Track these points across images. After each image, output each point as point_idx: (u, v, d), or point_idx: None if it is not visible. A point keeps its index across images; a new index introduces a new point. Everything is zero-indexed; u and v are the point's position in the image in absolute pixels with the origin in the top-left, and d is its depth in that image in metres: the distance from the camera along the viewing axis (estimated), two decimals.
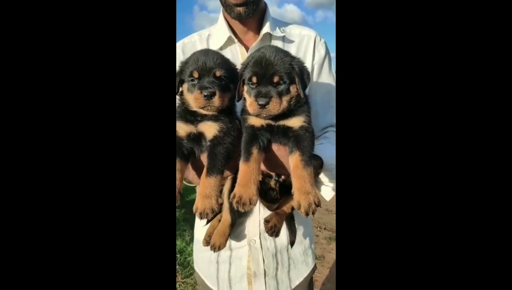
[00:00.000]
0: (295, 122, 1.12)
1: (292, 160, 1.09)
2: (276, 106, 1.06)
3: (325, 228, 4.72)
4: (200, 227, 1.50)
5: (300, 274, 1.58)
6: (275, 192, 1.31)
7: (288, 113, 1.12)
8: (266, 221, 1.30)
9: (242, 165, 1.09)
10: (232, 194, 1.04)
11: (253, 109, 1.08)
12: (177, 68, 1.22)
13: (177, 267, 3.74)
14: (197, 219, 1.64)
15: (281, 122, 1.13)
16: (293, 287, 1.56)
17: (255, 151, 1.10)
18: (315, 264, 1.68)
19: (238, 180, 1.06)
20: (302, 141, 1.10)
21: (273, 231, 1.28)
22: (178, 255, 3.91)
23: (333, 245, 4.33)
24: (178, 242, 4.14)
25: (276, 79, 1.07)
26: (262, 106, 1.05)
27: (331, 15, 37.67)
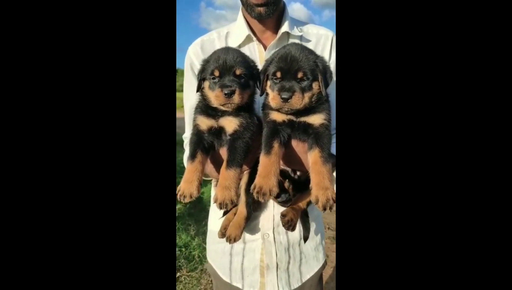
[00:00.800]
0: (316, 119, 1.14)
1: (311, 156, 1.11)
2: (298, 100, 1.08)
3: (329, 228, 4.73)
4: (216, 219, 1.53)
5: (311, 269, 1.61)
6: (287, 194, 1.33)
7: (309, 110, 1.14)
8: (283, 215, 1.32)
9: (262, 158, 1.11)
10: (252, 185, 1.07)
11: (275, 102, 1.10)
12: (199, 66, 1.26)
13: (182, 260, 3.78)
14: (211, 212, 1.67)
15: (302, 118, 1.15)
16: (303, 281, 1.59)
17: (276, 144, 1.12)
18: (325, 261, 1.70)
19: (258, 172, 1.09)
20: (322, 138, 1.12)
21: (290, 225, 1.30)
22: (183, 249, 3.94)
23: None
24: (183, 236, 4.18)
25: (300, 75, 1.09)
26: (285, 100, 1.07)
27: None
